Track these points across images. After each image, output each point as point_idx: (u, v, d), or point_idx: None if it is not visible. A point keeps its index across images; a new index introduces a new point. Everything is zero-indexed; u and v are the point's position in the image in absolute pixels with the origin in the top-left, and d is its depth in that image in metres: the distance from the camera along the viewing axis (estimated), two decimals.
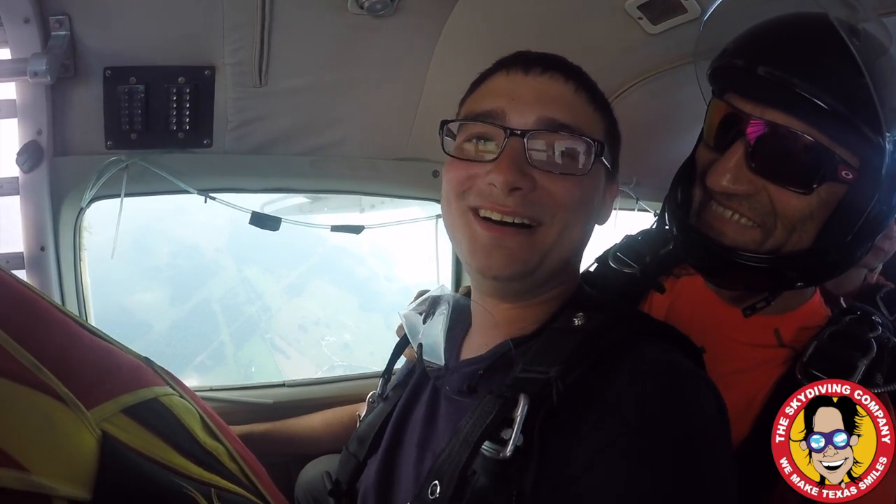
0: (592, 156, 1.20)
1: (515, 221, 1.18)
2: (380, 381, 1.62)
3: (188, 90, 1.97)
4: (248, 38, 1.90)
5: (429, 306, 1.53)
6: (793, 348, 1.40)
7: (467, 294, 1.46)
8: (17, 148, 1.87)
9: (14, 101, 1.85)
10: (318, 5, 1.87)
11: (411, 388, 1.48)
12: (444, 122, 1.29)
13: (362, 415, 1.68)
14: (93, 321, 2.15)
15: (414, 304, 1.56)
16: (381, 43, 2.03)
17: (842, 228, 1.30)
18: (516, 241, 1.19)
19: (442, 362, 1.37)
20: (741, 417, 1.34)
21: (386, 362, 1.67)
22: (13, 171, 1.90)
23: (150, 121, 1.98)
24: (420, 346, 1.45)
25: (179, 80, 1.96)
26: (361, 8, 1.86)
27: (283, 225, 2.20)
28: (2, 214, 1.95)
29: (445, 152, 1.27)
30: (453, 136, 1.29)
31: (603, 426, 1.04)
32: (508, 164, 1.16)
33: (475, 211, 1.22)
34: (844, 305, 1.51)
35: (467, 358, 1.35)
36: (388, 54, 2.08)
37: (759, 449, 1.28)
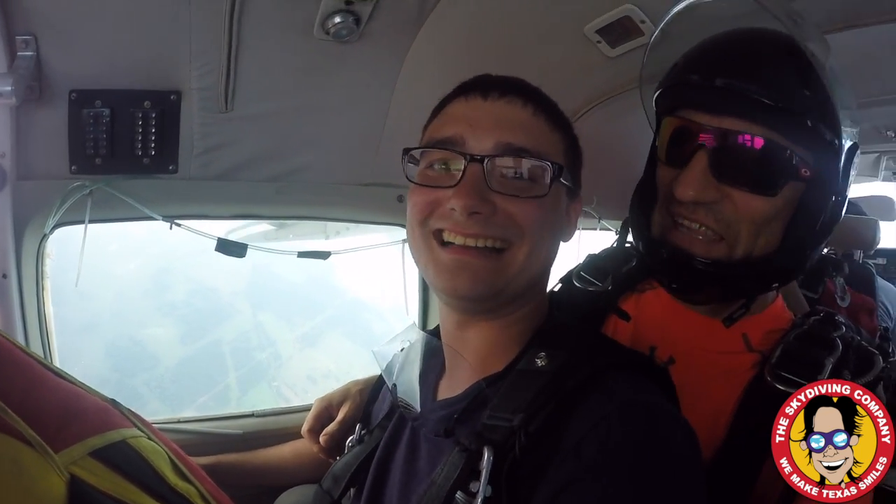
0: (550, 178, 1.24)
1: (478, 245, 1.21)
2: (356, 427, 1.63)
3: (154, 115, 1.95)
4: (214, 63, 1.91)
5: (400, 343, 1.55)
6: (760, 352, 1.43)
7: (437, 334, 1.48)
8: None
9: None
10: (285, 30, 1.89)
11: (392, 428, 1.48)
12: (406, 150, 1.32)
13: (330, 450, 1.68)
14: (56, 351, 2.09)
15: (386, 342, 1.57)
16: (346, 69, 2.06)
17: (806, 225, 1.36)
18: (481, 263, 1.22)
19: (417, 408, 1.39)
20: (714, 424, 1.36)
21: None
22: None
23: (115, 145, 1.95)
24: (395, 386, 1.46)
25: (145, 104, 1.94)
26: (327, 34, 1.88)
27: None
28: None
29: (408, 179, 1.31)
30: (416, 163, 1.33)
31: (564, 468, 1.06)
32: (468, 189, 1.20)
33: (438, 235, 1.25)
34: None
35: (443, 399, 1.37)
36: (353, 80, 2.11)
37: (733, 455, 1.31)
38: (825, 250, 2.38)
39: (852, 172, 1.41)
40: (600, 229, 2.90)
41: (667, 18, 1.54)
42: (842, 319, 1.48)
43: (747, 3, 1.34)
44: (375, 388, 1.69)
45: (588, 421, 1.09)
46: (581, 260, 1.86)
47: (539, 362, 1.22)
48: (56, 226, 1.97)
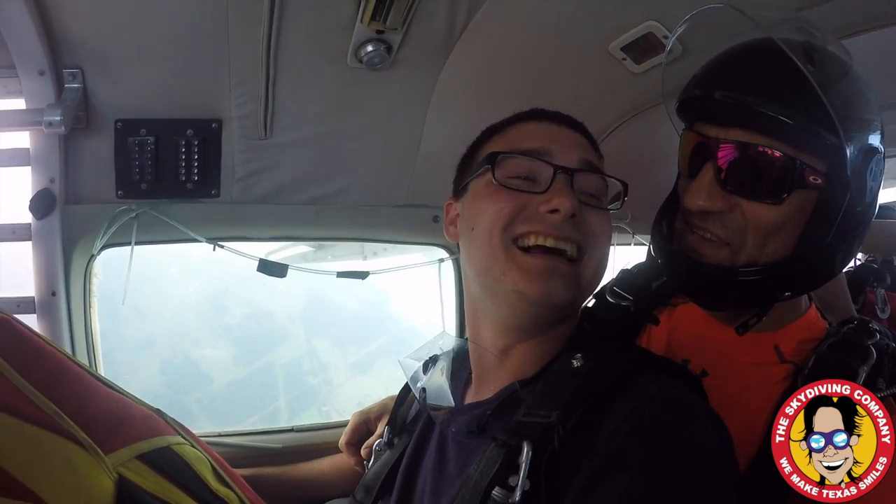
0: (621, 197, 1.37)
1: (564, 248, 1.26)
2: (384, 431, 1.66)
3: (196, 142, 2.05)
4: (252, 93, 1.99)
5: (427, 353, 1.58)
6: (794, 363, 1.42)
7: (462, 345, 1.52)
8: (30, 195, 1.93)
9: (28, 149, 1.93)
10: (319, 60, 1.97)
11: (418, 434, 1.51)
12: (494, 154, 1.35)
13: (369, 462, 1.69)
14: (101, 365, 2.18)
15: (412, 352, 1.60)
16: (380, 94, 2.12)
17: (819, 232, 1.36)
18: (566, 268, 1.26)
19: (451, 404, 1.41)
20: (749, 437, 1.34)
21: None
22: (26, 217, 1.95)
23: (159, 171, 2.05)
24: (423, 391, 1.48)
25: (188, 132, 2.04)
26: (360, 62, 1.95)
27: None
28: (14, 259, 2.00)
29: (495, 179, 1.32)
30: (476, 174, 1.39)
31: (596, 461, 1.07)
32: (569, 192, 1.25)
33: (518, 243, 1.27)
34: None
35: (472, 402, 1.40)
36: (387, 105, 2.17)
37: (767, 466, 1.28)
38: (860, 256, 2.33)
39: (878, 177, 1.40)
40: (634, 244, 2.89)
41: (678, 32, 1.57)
42: (876, 327, 1.46)
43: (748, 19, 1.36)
44: (402, 392, 1.71)
45: (620, 415, 1.11)
46: (614, 275, 1.86)
47: (575, 363, 1.24)
48: (103, 247, 2.06)
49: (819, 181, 1.32)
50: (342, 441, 1.93)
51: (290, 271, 2.25)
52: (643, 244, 2.90)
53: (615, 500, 1.02)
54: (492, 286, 1.31)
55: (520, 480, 1.08)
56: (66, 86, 1.86)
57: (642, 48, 2.06)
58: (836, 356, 1.36)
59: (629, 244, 2.79)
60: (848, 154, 1.28)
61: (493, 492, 1.09)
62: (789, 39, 1.33)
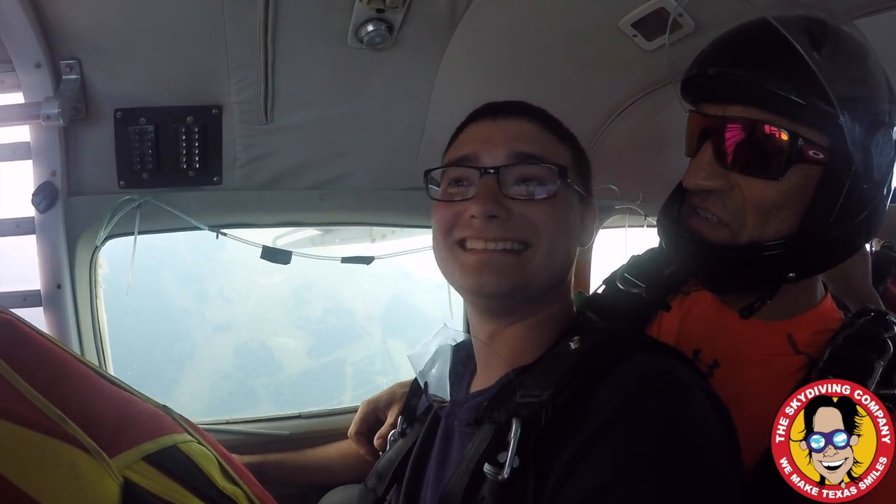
0: (558, 180, 1.32)
1: (499, 248, 1.29)
2: (400, 420, 1.68)
3: (197, 129, 2.03)
4: (252, 77, 1.96)
5: (435, 346, 1.60)
6: (808, 355, 1.39)
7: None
8: (32, 188, 1.93)
9: (28, 143, 1.92)
10: (319, 42, 1.93)
11: (428, 424, 1.53)
12: (427, 172, 1.44)
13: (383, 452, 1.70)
14: (109, 355, 2.19)
15: (421, 345, 1.62)
16: (383, 76, 2.08)
17: (823, 210, 1.32)
18: (504, 260, 1.29)
19: (447, 397, 1.45)
20: (760, 429, 1.29)
21: None
22: (29, 210, 1.95)
23: (160, 160, 2.04)
24: (426, 384, 1.53)
25: (188, 119, 2.02)
26: (361, 42, 1.90)
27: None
28: (19, 253, 2.01)
29: (431, 198, 1.42)
30: (437, 184, 1.44)
31: (583, 435, 1.08)
32: (484, 196, 1.29)
33: (461, 244, 1.33)
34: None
35: (475, 391, 1.42)
36: (391, 86, 2.13)
37: None
38: (874, 242, 2.27)
39: (887, 154, 1.35)
40: (647, 226, 2.80)
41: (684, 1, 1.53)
42: (894, 319, 1.41)
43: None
44: (415, 383, 1.72)
45: (610, 390, 1.12)
46: (627, 258, 1.84)
47: (572, 345, 1.27)
48: (107, 238, 2.06)
49: (821, 156, 1.29)
50: (352, 431, 1.97)
51: (294, 258, 2.23)
52: (655, 226, 2.75)
53: (601, 469, 1.03)
54: (449, 281, 1.42)
55: (508, 456, 1.11)
56: (64, 77, 1.85)
57: (654, 24, 1.99)
58: (853, 349, 1.33)
59: (641, 226, 2.73)
60: (845, 126, 1.24)
61: (485, 467, 1.13)
62: (786, 17, 1.29)
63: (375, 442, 1.88)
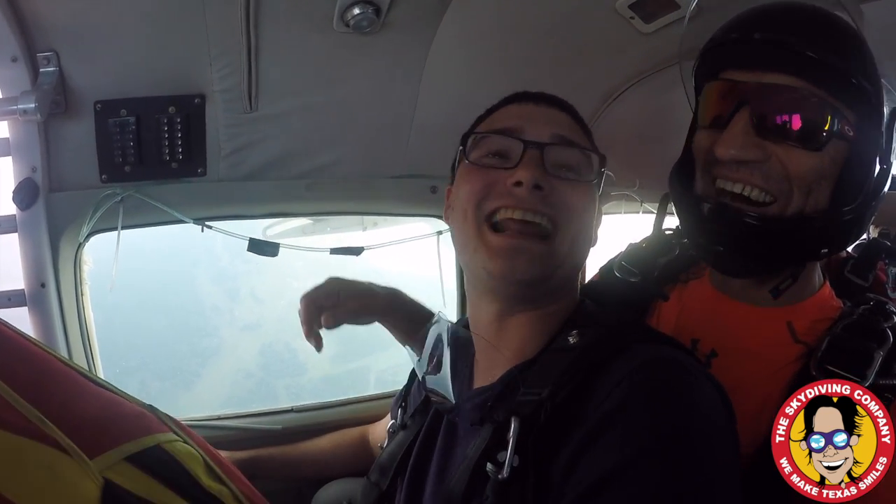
0: (595, 168, 1.35)
1: (536, 220, 1.25)
2: (398, 411, 1.65)
3: (179, 120, 1.98)
4: (235, 65, 1.92)
5: (432, 338, 1.54)
6: (806, 344, 1.36)
7: (466, 325, 1.48)
8: (12, 186, 1.89)
9: (7, 139, 1.88)
10: (303, 27, 1.88)
11: (431, 416, 1.50)
12: (466, 135, 1.38)
13: (371, 437, 1.68)
14: (97, 354, 2.17)
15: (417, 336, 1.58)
16: (371, 60, 2.03)
17: (853, 187, 1.30)
18: (536, 247, 1.24)
19: (450, 394, 1.40)
20: (758, 419, 1.30)
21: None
22: (10, 208, 1.91)
23: (143, 152, 1.99)
24: (424, 379, 1.48)
25: (170, 109, 1.97)
26: (347, 26, 1.85)
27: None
28: (2, 252, 1.98)
29: (467, 160, 1.35)
30: (466, 155, 1.37)
31: (586, 429, 1.06)
32: (532, 165, 1.26)
33: (490, 220, 1.28)
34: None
35: (479, 387, 1.38)
36: (379, 71, 2.08)
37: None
38: (872, 229, 2.25)
39: None
40: (643, 212, 2.78)
41: None
42: (893, 309, 1.38)
43: None
44: (413, 371, 1.69)
45: (611, 382, 1.10)
46: (623, 245, 1.80)
47: (571, 340, 1.25)
48: (90, 234, 2.03)
49: (852, 133, 1.26)
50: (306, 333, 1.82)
51: (282, 250, 2.20)
52: (651, 212, 2.73)
53: (609, 455, 1.02)
54: (468, 262, 1.35)
55: (508, 455, 1.11)
56: (42, 70, 1.80)
57: (652, 6, 1.94)
58: (851, 339, 1.30)
59: (637, 212, 2.70)
60: (886, 108, 1.24)
61: (487, 467, 1.12)
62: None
63: (378, 437, 1.85)
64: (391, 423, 1.67)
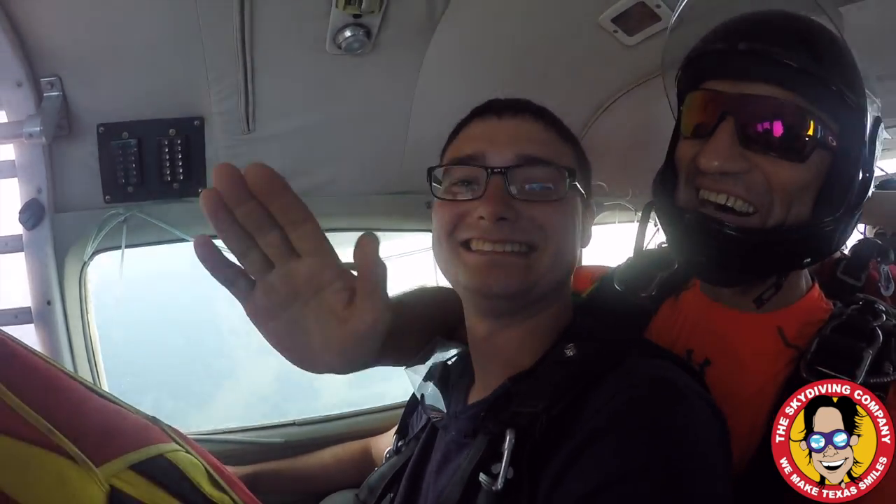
0: (566, 182, 1.28)
1: (506, 249, 1.24)
2: (393, 438, 1.67)
3: (179, 141, 2.04)
4: (232, 87, 1.97)
5: (429, 359, 1.56)
6: (797, 347, 1.35)
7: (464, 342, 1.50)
8: (19, 206, 1.95)
9: (13, 161, 1.94)
10: (297, 49, 1.93)
11: (425, 438, 1.51)
12: (431, 169, 1.37)
13: (374, 450, 1.69)
14: (102, 369, 2.21)
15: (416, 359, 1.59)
16: (364, 80, 2.07)
17: (836, 197, 1.29)
18: (511, 261, 1.24)
19: (443, 409, 1.42)
20: (752, 425, 1.29)
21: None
22: (17, 228, 1.97)
23: (145, 173, 2.05)
24: (423, 396, 1.50)
25: (170, 132, 2.03)
26: (340, 48, 1.90)
27: None
28: (9, 270, 2.04)
29: (435, 196, 1.34)
30: (439, 182, 1.37)
31: (576, 442, 1.06)
32: (493, 197, 1.23)
33: (466, 245, 1.28)
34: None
35: (473, 402, 1.39)
36: (372, 91, 2.13)
37: (769, 457, 1.24)
38: (861, 227, 2.24)
39: (878, 146, 1.34)
40: (637, 222, 2.73)
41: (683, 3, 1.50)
42: (883, 307, 1.37)
43: None
44: (412, 400, 1.71)
45: (603, 397, 1.10)
46: (620, 253, 1.82)
47: (568, 352, 1.24)
48: (94, 252, 2.08)
49: (835, 143, 1.26)
50: None
51: None
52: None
53: (591, 476, 1.01)
54: (451, 282, 1.36)
55: (502, 468, 1.09)
56: (46, 94, 1.86)
57: (634, 19, 1.98)
58: (841, 339, 1.30)
59: (632, 221, 2.71)
60: (869, 118, 1.25)
61: (480, 477, 1.12)
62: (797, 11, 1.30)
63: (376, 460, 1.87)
64: (388, 449, 1.68)
